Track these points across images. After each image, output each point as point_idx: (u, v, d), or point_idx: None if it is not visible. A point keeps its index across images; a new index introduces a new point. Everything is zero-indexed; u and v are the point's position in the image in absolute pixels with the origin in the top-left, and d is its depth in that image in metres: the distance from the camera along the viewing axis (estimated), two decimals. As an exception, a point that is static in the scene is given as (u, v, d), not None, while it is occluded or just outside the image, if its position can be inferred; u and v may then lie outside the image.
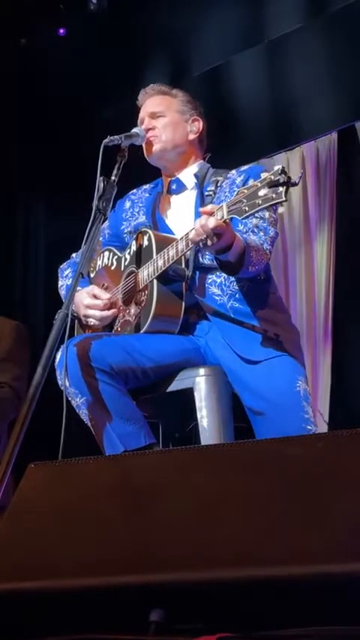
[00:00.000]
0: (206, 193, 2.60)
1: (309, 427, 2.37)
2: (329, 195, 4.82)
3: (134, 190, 2.84)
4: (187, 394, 2.46)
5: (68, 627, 1.32)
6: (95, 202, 2.35)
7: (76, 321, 2.73)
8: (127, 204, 2.81)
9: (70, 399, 2.34)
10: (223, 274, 2.45)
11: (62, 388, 2.31)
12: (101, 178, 2.36)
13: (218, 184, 2.59)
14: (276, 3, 4.78)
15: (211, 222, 2.20)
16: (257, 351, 2.44)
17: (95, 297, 2.60)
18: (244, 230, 2.42)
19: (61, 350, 2.32)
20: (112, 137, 2.49)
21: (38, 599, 1.35)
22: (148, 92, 2.76)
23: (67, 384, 2.31)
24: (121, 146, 2.51)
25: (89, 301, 2.59)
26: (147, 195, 2.79)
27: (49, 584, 1.35)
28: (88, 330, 2.70)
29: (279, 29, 4.76)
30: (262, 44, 4.88)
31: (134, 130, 2.62)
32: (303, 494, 1.38)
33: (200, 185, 2.64)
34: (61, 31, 5.27)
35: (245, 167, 2.69)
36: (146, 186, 2.83)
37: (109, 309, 2.60)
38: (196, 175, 2.68)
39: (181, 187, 2.71)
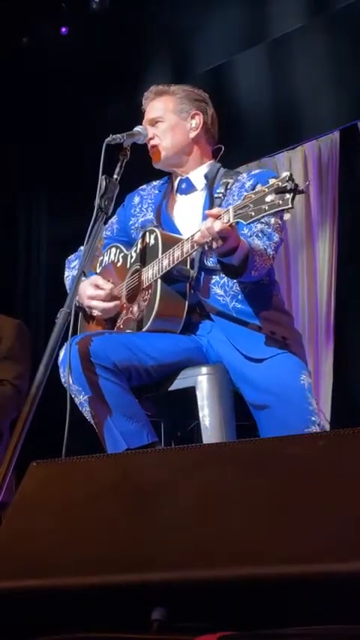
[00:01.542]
0: (215, 195, 2.59)
1: (313, 418, 2.38)
2: (331, 194, 4.82)
3: (144, 186, 2.84)
4: (189, 393, 2.46)
5: (70, 626, 1.32)
6: (97, 201, 2.35)
7: (80, 316, 2.73)
8: (137, 199, 2.81)
9: (73, 396, 2.34)
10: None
11: (65, 386, 2.32)
12: (103, 177, 2.36)
13: (228, 187, 2.58)
14: (278, 2, 4.78)
15: (217, 226, 2.20)
16: (261, 350, 2.44)
17: (98, 287, 2.61)
18: (249, 234, 2.42)
19: (64, 348, 2.33)
20: (114, 136, 2.49)
21: (40, 597, 1.35)
22: (148, 96, 2.75)
23: (70, 381, 2.31)
24: (124, 145, 2.51)
25: (91, 292, 2.60)
26: (156, 192, 2.79)
27: (51, 583, 1.35)
28: (93, 322, 2.70)
29: (281, 28, 4.76)
30: (264, 43, 4.88)
31: (136, 128, 2.62)
32: (305, 493, 1.38)
33: (210, 186, 2.64)
34: (63, 30, 5.27)
35: (256, 171, 2.68)
36: (156, 183, 2.83)
37: (111, 300, 2.60)
38: (206, 176, 2.67)
39: (190, 188, 2.71)
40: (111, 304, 2.60)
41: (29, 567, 1.40)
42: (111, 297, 2.61)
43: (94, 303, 2.60)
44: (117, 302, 2.61)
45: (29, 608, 1.36)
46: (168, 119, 2.69)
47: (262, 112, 4.95)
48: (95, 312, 2.63)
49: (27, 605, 1.36)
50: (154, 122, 2.70)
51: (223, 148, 2.75)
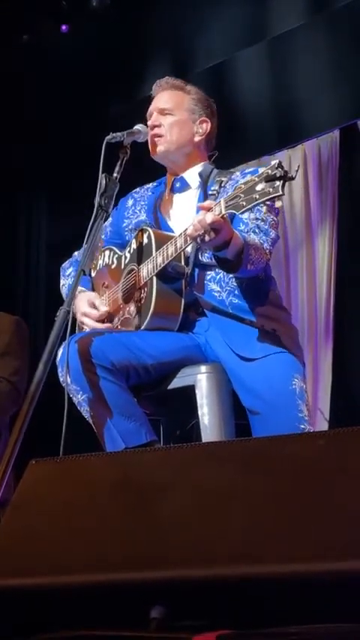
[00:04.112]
0: (210, 192, 2.59)
1: (302, 426, 2.37)
2: (331, 193, 4.82)
3: (137, 189, 2.84)
4: (189, 391, 2.46)
5: (69, 623, 1.32)
6: (97, 199, 2.35)
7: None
8: (130, 202, 2.81)
9: (71, 395, 2.34)
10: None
11: (64, 385, 2.32)
12: (103, 175, 2.36)
13: (222, 185, 2.58)
14: (279, 0, 4.77)
15: (209, 218, 2.20)
16: (254, 349, 2.44)
17: (94, 306, 2.60)
18: (245, 230, 2.42)
19: (62, 346, 2.32)
20: (114, 134, 2.48)
21: (39, 595, 1.35)
22: (162, 85, 2.74)
23: (69, 380, 2.31)
24: (124, 143, 2.50)
25: (86, 309, 2.60)
26: (150, 193, 2.79)
27: (50, 581, 1.36)
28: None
29: (282, 26, 4.75)
30: (264, 41, 4.87)
31: (137, 126, 2.60)
32: (304, 491, 1.38)
33: (204, 184, 2.64)
34: (64, 27, 5.26)
35: (250, 169, 2.69)
36: (149, 185, 2.83)
37: (103, 321, 2.60)
38: (200, 174, 2.67)
39: (184, 186, 2.71)
40: (101, 325, 2.58)
41: (28, 565, 1.41)
42: (103, 319, 2.60)
43: (85, 320, 2.60)
44: (109, 325, 2.59)
45: (28, 606, 1.36)
46: (179, 114, 2.68)
47: (262, 110, 4.95)
48: (85, 329, 2.63)
49: (26, 603, 1.36)
50: (163, 112, 2.69)
51: (217, 154, 2.76)
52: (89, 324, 2.59)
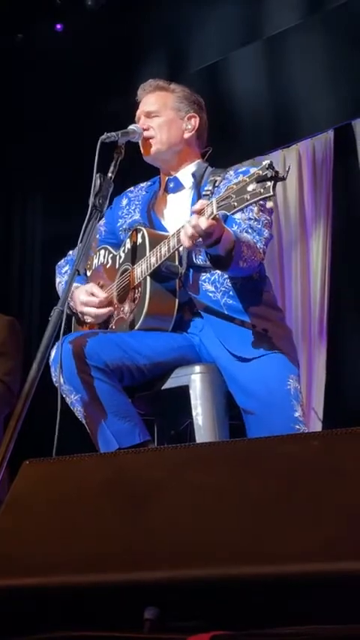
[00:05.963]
0: (204, 193, 2.59)
1: (297, 426, 2.37)
2: (325, 193, 4.83)
3: (131, 188, 2.84)
4: (183, 392, 2.46)
5: (62, 624, 1.32)
6: (91, 199, 2.35)
7: (73, 317, 2.73)
8: (124, 201, 2.81)
9: (64, 396, 2.34)
10: (218, 271, 2.45)
11: (57, 385, 2.31)
12: (98, 175, 2.36)
13: (216, 184, 2.58)
14: (273, 0, 4.77)
15: (203, 223, 2.19)
16: (249, 349, 2.44)
17: (92, 294, 2.60)
18: (239, 231, 2.42)
19: (56, 347, 2.32)
20: (108, 134, 2.48)
21: (32, 596, 1.35)
22: (146, 89, 2.75)
23: (62, 381, 2.31)
24: (118, 143, 2.50)
25: (85, 298, 2.60)
26: (144, 193, 2.79)
27: (43, 582, 1.35)
28: (85, 327, 2.70)
29: (276, 26, 4.76)
30: (259, 41, 4.87)
31: (131, 126, 2.61)
32: (298, 492, 1.38)
33: (198, 184, 2.64)
34: (58, 26, 5.25)
35: (243, 168, 2.69)
36: (143, 184, 2.83)
37: (105, 307, 2.60)
38: (193, 175, 2.67)
39: (178, 186, 2.71)
40: (104, 310, 2.59)
41: (21, 566, 1.40)
42: (104, 304, 2.60)
43: (86, 309, 2.60)
44: (110, 308, 2.60)
45: (21, 607, 1.36)
46: (165, 115, 2.69)
47: (257, 110, 4.95)
48: (88, 319, 2.63)
49: (18, 603, 1.35)
50: (150, 115, 2.69)
51: (211, 150, 2.75)
52: (91, 312, 2.59)
